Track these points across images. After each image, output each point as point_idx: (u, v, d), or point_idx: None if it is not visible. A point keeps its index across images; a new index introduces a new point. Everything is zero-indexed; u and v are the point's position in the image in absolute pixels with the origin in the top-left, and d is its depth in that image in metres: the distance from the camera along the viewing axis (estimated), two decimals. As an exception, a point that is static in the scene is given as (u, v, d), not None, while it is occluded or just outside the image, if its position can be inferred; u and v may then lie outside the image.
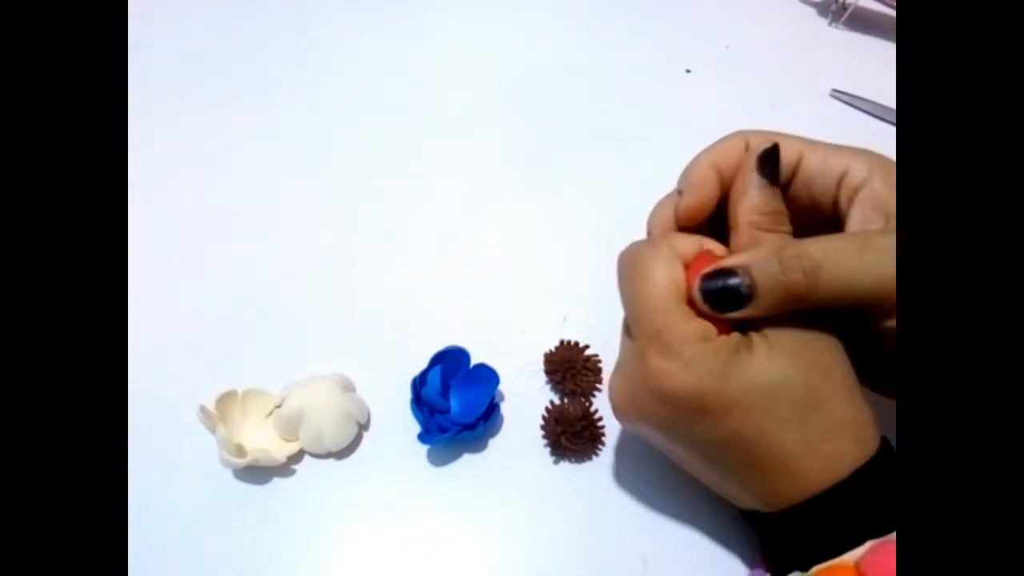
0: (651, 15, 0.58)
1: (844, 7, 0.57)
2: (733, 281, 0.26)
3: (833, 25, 0.57)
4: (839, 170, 0.30)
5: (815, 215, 0.31)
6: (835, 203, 0.30)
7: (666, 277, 0.27)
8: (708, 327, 0.27)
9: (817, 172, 0.30)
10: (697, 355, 0.26)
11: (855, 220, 0.29)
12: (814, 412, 0.26)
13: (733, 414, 0.27)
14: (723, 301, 0.27)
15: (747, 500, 0.29)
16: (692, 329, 0.27)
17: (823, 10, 0.59)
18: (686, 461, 0.31)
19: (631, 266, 0.29)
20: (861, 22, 0.57)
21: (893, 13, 0.57)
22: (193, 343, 0.39)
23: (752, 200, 0.28)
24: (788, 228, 0.29)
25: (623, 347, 0.30)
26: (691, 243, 0.29)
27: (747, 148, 0.30)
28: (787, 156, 0.30)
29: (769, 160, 0.28)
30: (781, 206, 0.29)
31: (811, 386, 0.26)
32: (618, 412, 0.30)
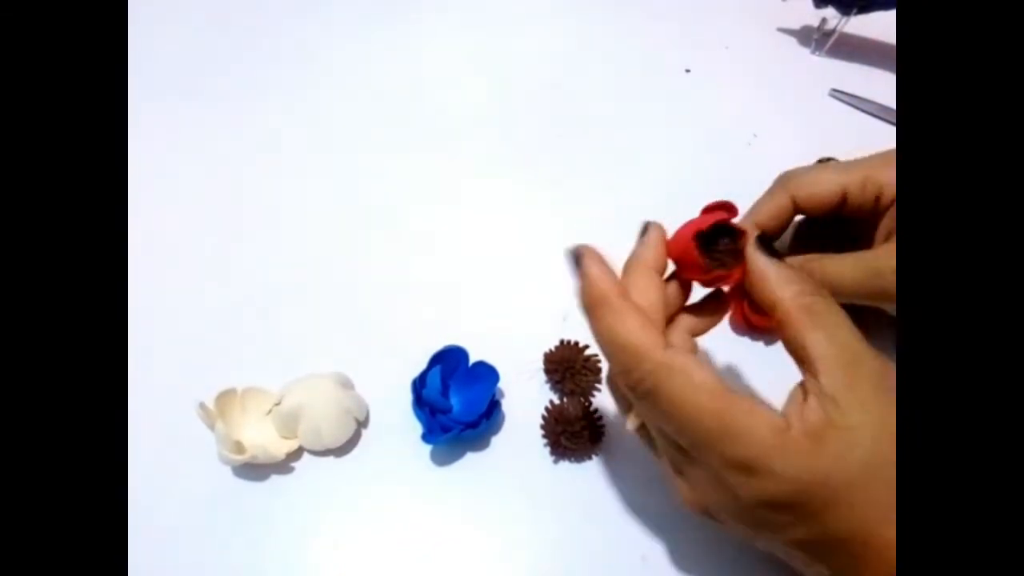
0: (651, 15, 0.58)
1: (827, 35, 0.56)
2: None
3: (817, 54, 0.56)
4: (874, 191, 0.30)
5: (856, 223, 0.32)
6: (873, 214, 0.31)
7: (705, 395, 0.24)
8: (774, 417, 0.24)
9: (858, 199, 0.31)
10: (784, 456, 0.23)
11: (883, 227, 0.30)
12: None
13: (839, 508, 0.23)
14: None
15: None
16: (764, 429, 0.23)
17: (804, 39, 0.57)
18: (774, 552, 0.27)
19: (655, 394, 0.25)
20: (844, 49, 0.57)
21: (880, 38, 0.56)
22: (193, 342, 0.39)
23: (775, 282, 0.26)
24: (825, 292, 0.26)
25: (673, 461, 0.27)
26: (654, 293, 0.27)
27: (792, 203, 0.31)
28: (829, 193, 0.30)
29: (764, 243, 0.27)
30: (805, 276, 0.26)
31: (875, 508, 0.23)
32: (699, 514, 0.27)
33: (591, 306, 0.26)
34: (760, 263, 0.26)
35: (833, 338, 0.24)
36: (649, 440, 0.29)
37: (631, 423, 0.29)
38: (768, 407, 0.24)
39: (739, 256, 0.27)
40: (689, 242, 0.27)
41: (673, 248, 0.28)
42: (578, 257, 0.27)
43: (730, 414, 0.24)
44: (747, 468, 0.24)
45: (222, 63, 0.53)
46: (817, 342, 0.24)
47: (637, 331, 0.25)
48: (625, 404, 0.29)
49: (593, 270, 0.26)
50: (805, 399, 0.24)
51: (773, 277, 0.26)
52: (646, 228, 0.29)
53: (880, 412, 0.23)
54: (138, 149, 0.44)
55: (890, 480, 0.23)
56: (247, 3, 0.58)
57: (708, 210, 0.28)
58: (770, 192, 0.31)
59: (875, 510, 0.23)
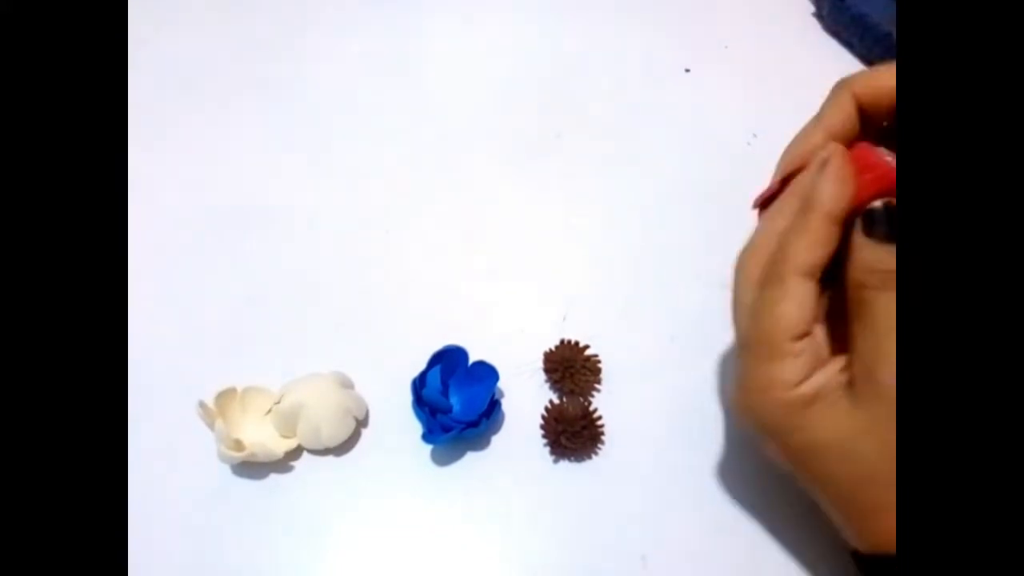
0: (651, 15, 0.57)
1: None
2: None
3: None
4: None
5: None
6: None
7: (774, 320, 0.27)
8: (794, 372, 0.26)
9: None
10: (761, 403, 0.27)
11: None
12: (881, 490, 0.25)
13: (797, 461, 0.27)
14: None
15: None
16: (772, 375, 0.26)
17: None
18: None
19: (772, 287, 0.27)
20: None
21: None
22: (193, 341, 0.39)
23: (857, 259, 0.27)
24: (887, 286, 0.26)
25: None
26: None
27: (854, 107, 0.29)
28: (890, 87, 0.29)
29: (876, 221, 0.26)
30: (894, 263, 0.26)
31: (884, 467, 0.25)
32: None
33: (805, 208, 0.27)
34: (853, 238, 0.27)
35: (871, 332, 0.26)
36: None
37: None
38: (805, 361, 0.26)
39: None
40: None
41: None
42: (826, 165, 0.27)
43: (782, 345, 0.26)
44: (742, 387, 0.28)
45: (222, 63, 0.53)
46: (856, 332, 0.26)
47: (808, 248, 0.27)
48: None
49: (831, 184, 0.27)
50: (841, 366, 0.27)
51: (853, 258, 0.26)
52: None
53: (876, 411, 0.25)
54: (138, 149, 0.44)
55: (861, 471, 0.26)
56: (248, 3, 0.58)
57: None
58: (832, 97, 0.30)
59: (837, 483, 0.26)
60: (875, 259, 0.26)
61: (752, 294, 0.28)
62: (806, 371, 0.26)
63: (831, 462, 0.26)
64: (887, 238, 0.26)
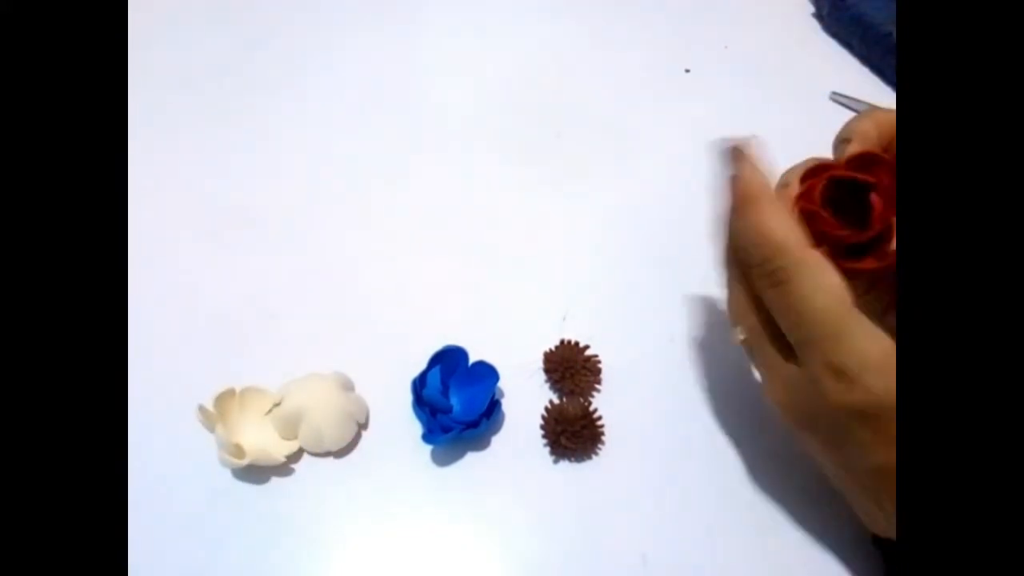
0: (651, 15, 0.58)
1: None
2: None
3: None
4: None
5: None
6: None
7: (832, 297, 0.26)
8: (886, 341, 0.25)
9: None
10: (881, 375, 0.25)
11: None
12: None
13: None
14: None
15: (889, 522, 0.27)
16: (874, 348, 0.25)
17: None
18: (838, 474, 0.29)
19: (788, 284, 0.26)
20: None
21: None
22: (192, 341, 0.39)
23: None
24: None
25: (773, 360, 0.28)
26: None
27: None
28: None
29: None
30: None
31: None
32: (792, 425, 0.29)
33: (745, 201, 0.27)
34: None
35: None
36: (750, 352, 0.31)
37: (739, 335, 0.30)
38: (883, 332, 0.25)
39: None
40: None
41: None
42: (736, 155, 0.28)
43: (847, 322, 0.25)
44: (844, 375, 0.25)
45: (222, 63, 0.53)
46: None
47: (787, 226, 0.27)
48: (737, 314, 0.30)
49: (749, 168, 0.28)
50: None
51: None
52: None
53: None
54: (138, 149, 0.44)
55: None
56: (248, 4, 0.58)
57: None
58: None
59: None
60: None
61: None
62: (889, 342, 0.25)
63: None
64: None
